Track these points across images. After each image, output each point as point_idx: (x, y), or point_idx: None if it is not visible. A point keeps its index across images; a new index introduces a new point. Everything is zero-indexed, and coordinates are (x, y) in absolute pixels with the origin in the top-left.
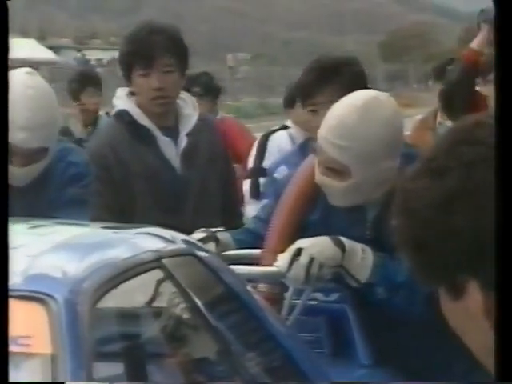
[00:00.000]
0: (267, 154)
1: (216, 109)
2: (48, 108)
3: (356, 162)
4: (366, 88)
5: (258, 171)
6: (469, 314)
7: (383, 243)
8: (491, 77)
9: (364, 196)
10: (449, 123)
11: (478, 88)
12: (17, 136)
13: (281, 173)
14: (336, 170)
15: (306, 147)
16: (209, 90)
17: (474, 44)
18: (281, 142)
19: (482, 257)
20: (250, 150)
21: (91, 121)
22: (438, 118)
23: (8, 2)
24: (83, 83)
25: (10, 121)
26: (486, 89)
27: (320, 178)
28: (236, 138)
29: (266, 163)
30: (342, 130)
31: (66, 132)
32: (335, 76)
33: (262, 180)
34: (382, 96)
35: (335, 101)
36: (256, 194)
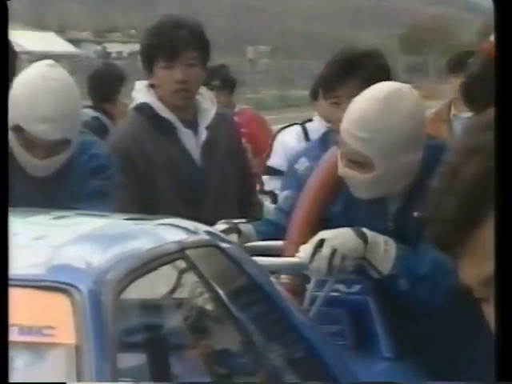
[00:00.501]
0: (272, 153)
1: (233, 101)
2: (70, 100)
3: (379, 154)
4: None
5: (265, 169)
6: None
7: (405, 235)
8: None
9: (387, 188)
10: (463, 115)
11: None
12: (39, 128)
13: (301, 165)
14: (359, 163)
15: (326, 139)
16: (226, 82)
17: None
18: (287, 141)
19: None
20: (268, 140)
21: None
22: (453, 110)
23: (8, 2)
24: (119, 83)
25: (32, 113)
26: None
27: (343, 170)
28: (255, 129)
29: (272, 161)
30: (364, 122)
31: (102, 129)
32: (358, 69)
33: (264, 178)
34: (405, 88)
35: (358, 94)
36: (261, 191)
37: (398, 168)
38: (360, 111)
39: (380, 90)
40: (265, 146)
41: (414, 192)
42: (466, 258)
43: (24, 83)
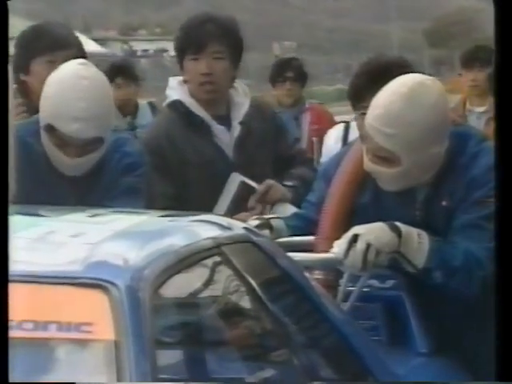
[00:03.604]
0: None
1: (303, 95)
2: (103, 98)
3: (404, 148)
4: None
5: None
6: None
7: (433, 224)
8: None
9: (414, 180)
10: (478, 110)
11: None
12: (71, 127)
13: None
14: (385, 158)
15: None
16: (299, 75)
17: None
18: (328, 141)
19: None
20: None
21: (128, 111)
22: (468, 106)
23: (8, 2)
24: (111, 74)
25: (64, 112)
26: None
27: (369, 165)
28: (325, 126)
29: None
30: (388, 117)
31: None
32: (386, 79)
33: None
34: (428, 80)
35: None
36: None
37: (425, 160)
38: (384, 106)
39: (403, 83)
40: None
41: (442, 180)
42: None
43: (56, 82)
